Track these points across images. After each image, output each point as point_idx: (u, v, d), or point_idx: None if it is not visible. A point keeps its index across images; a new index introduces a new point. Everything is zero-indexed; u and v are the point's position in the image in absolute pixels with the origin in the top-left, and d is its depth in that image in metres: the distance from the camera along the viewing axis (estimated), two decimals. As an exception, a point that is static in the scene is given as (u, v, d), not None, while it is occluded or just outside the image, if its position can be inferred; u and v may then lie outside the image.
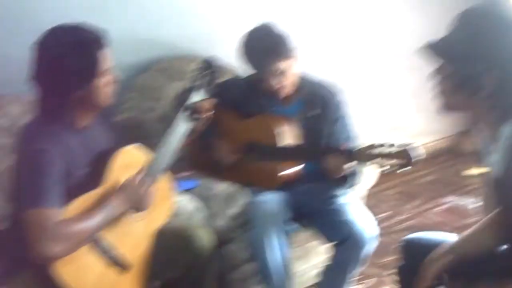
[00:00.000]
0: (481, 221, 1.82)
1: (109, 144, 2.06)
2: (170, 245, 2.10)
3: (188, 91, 2.20)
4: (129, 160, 2.00)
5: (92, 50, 1.83)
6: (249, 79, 2.70)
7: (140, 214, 2.00)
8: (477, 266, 1.77)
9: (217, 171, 2.71)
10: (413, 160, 2.13)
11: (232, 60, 2.85)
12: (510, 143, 1.60)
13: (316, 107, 2.57)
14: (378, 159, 2.18)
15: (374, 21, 4.19)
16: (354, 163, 2.31)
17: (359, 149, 2.25)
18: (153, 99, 2.89)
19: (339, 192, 2.58)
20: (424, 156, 2.16)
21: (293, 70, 2.51)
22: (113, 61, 1.91)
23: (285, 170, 2.52)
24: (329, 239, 2.56)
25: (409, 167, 2.14)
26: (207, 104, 2.15)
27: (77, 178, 1.87)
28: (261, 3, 3.47)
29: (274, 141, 2.49)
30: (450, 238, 1.90)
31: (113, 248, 1.91)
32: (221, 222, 2.45)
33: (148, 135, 2.81)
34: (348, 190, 2.64)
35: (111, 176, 1.92)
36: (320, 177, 2.57)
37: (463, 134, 4.95)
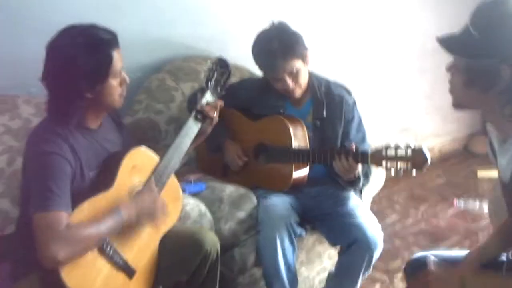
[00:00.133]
0: (491, 232, 1.81)
1: (120, 145, 2.06)
2: (177, 249, 2.09)
3: (199, 92, 2.19)
4: (139, 162, 1.99)
5: (105, 51, 1.83)
6: (261, 80, 2.69)
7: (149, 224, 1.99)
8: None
9: (226, 172, 2.71)
10: (429, 162, 2.11)
11: (245, 60, 2.85)
12: None
13: (328, 108, 2.56)
14: (394, 161, 2.16)
15: (385, 22, 4.18)
16: (367, 164, 2.30)
17: (374, 151, 2.23)
18: (165, 100, 2.88)
19: (349, 194, 2.57)
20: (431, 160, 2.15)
21: (305, 71, 2.51)
22: (125, 61, 1.91)
23: (297, 171, 2.51)
24: (336, 243, 2.56)
25: (423, 170, 2.13)
26: (217, 105, 2.14)
27: (87, 180, 1.87)
28: (274, 3, 3.46)
29: (285, 142, 2.48)
30: (454, 255, 1.89)
31: (120, 252, 1.90)
32: (228, 225, 2.45)
33: (160, 136, 2.82)
34: (359, 192, 2.64)
35: (121, 178, 1.91)
36: (330, 179, 2.57)
37: (474, 135, 4.93)
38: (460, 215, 3.79)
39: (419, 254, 2.04)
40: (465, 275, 1.73)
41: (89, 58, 1.79)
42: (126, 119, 2.71)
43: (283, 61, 2.42)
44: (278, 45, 2.42)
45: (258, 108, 2.63)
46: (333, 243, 2.59)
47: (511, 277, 1.76)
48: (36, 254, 1.66)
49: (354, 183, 2.48)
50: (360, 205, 2.55)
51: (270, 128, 2.57)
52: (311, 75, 2.59)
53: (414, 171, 2.14)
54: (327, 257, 2.79)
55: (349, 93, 2.64)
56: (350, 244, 2.40)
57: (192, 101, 2.48)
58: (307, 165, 2.53)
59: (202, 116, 2.11)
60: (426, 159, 2.11)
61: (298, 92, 2.53)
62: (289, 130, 2.47)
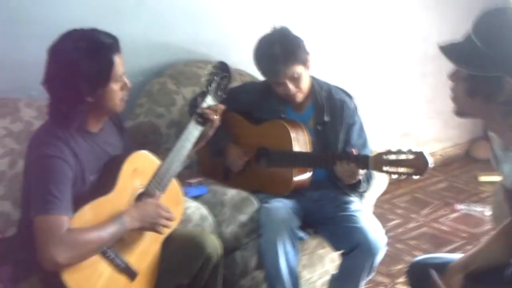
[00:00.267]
0: (492, 234, 1.80)
1: (121, 149, 2.06)
2: (178, 252, 2.09)
3: (200, 96, 2.19)
4: (140, 165, 1.99)
5: (106, 55, 1.83)
6: (262, 84, 2.70)
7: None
8: (496, 274, 1.75)
9: (227, 176, 2.71)
10: (430, 167, 2.11)
11: (246, 65, 2.85)
12: None
13: (330, 112, 2.56)
14: (395, 166, 2.16)
15: (386, 26, 4.18)
16: (369, 169, 2.30)
17: (376, 155, 2.24)
18: (166, 104, 2.89)
19: (351, 198, 2.57)
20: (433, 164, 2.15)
21: (306, 75, 2.51)
22: (126, 65, 1.91)
23: (298, 176, 2.51)
24: (338, 247, 2.55)
25: (425, 174, 2.13)
26: (218, 109, 2.15)
27: (88, 183, 1.87)
28: (275, 8, 3.46)
29: (286, 146, 2.48)
30: (456, 257, 1.88)
31: (121, 255, 1.90)
32: (230, 229, 2.44)
33: (161, 140, 2.82)
34: (361, 197, 2.63)
35: (122, 182, 1.91)
36: (332, 183, 2.56)
37: (476, 141, 4.92)
38: (462, 220, 3.78)
39: (420, 257, 2.04)
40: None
41: (91, 62, 1.79)
42: (127, 122, 2.71)
43: (285, 66, 2.42)
44: (280, 49, 2.43)
45: (259, 112, 2.63)
46: (335, 248, 2.58)
47: None
48: (37, 256, 1.66)
49: (354, 186, 2.48)
50: (362, 209, 2.54)
51: (271, 133, 2.58)
52: (313, 80, 2.59)
53: (415, 175, 2.14)
54: (329, 261, 2.78)
55: (350, 97, 2.64)
56: (353, 248, 2.40)
57: (193, 105, 2.48)
58: (308, 169, 2.53)
59: (203, 120, 2.12)
60: (428, 164, 2.11)
61: (299, 97, 2.53)
62: (290, 134, 2.47)
